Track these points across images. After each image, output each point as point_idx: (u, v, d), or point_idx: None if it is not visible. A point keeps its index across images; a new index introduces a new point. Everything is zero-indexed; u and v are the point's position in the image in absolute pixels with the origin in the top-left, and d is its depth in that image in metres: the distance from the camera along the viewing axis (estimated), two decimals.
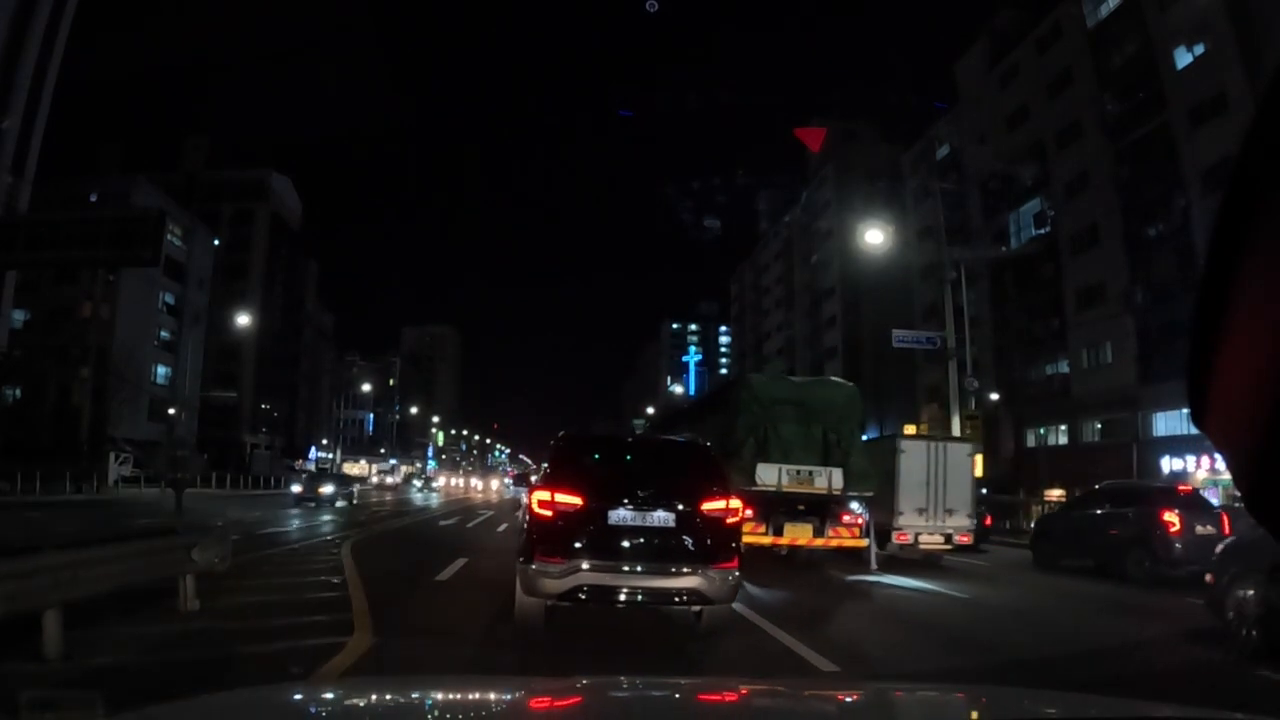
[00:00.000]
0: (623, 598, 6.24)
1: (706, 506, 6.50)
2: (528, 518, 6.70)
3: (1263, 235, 0.74)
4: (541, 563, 6.20)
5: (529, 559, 6.28)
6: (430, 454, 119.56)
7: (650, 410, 78.56)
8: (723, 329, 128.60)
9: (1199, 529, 12.56)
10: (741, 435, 12.56)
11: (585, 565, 6.15)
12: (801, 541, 12.26)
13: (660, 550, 6.28)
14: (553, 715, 2.05)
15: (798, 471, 12.38)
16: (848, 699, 2.38)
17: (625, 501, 6.35)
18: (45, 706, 2.47)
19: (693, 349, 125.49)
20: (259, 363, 63.76)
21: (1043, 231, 39.05)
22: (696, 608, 6.54)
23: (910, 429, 48.10)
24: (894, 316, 53.75)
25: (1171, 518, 12.90)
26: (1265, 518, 0.83)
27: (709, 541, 6.39)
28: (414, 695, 2.16)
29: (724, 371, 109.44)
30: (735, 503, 6.82)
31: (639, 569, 6.24)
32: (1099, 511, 14.77)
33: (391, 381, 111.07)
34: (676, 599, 6.37)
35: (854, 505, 12.73)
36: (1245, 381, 0.77)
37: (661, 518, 6.35)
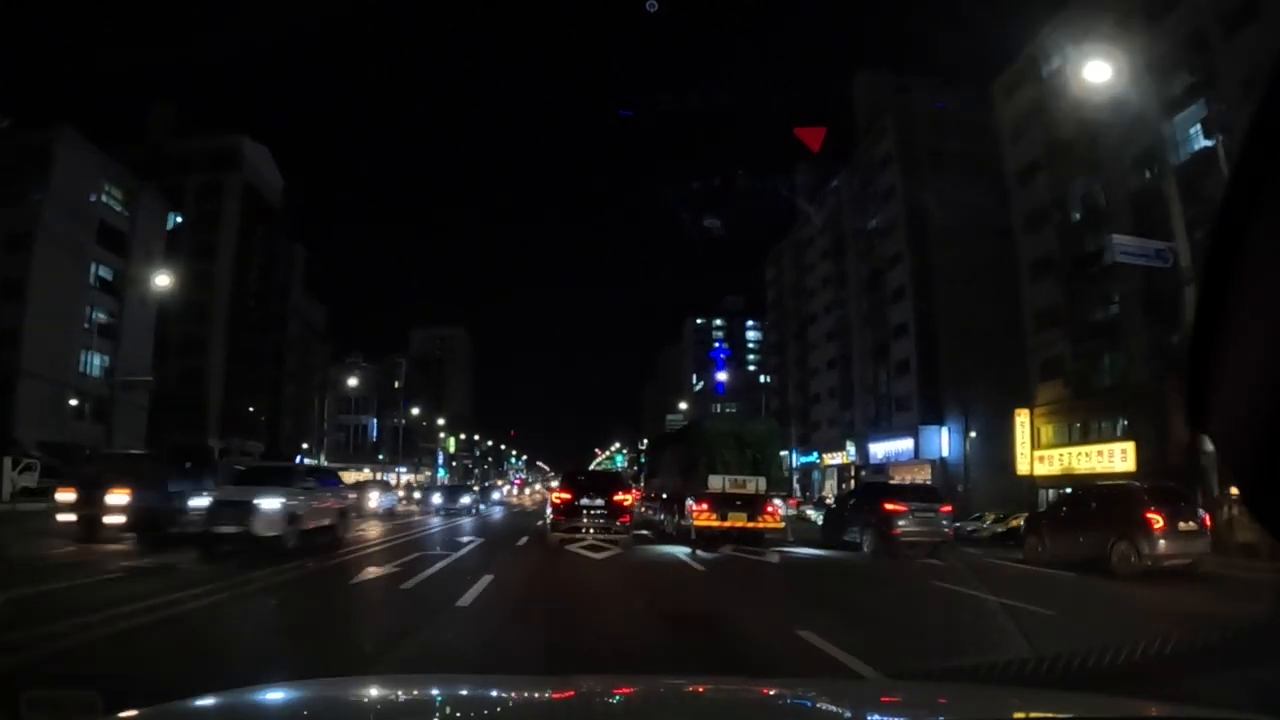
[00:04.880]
0: (590, 535, 16.73)
1: (617, 498, 17.40)
2: (550, 504, 18.84)
3: (1261, 238, 0.74)
4: (556, 520, 17.18)
5: (550, 520, 17.63)
6: (440, 461, 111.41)
7: (683, 405, 71.63)
8: (749, 324, 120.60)
9: None
10: (698, 457, 19.29)
11: (573, 524, 16.90)
12: (740, 525, 18.12)
13: (600, 515, 16.87)
14: (553, 714, 2.10)
15: (735, 480, 18.61)
16: (846, 698, 2.42)
17: (588, 495, 17.24)
18: (45, 706, 2.42)
19: (719, 343, 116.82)
20: (232, 356, 55.23)
21: (1212, 143, 29.53)
22: (616, 538, 16.62)
23: (1023, 414, 38.81)
24: (985, 283, 44.43)
25: None
26: (1266, 519, 0.83)
27: (619, 512, 17.17)
28: (415, 694, 2.26)
29: (752, 367, 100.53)
30: (631, 496, 19.17)
31: (592, 522, 16.90)
32: None
33: (397, 384, 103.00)
34: (607, 536, 16.65)
35: (776, 500, 19.15)
36: (1245, 384, 0.77)
37: (600, 504, 17.04)
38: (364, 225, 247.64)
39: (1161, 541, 13.01)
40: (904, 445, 49.02)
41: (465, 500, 36.48)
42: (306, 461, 65.27)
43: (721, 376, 79.29)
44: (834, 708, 2.21)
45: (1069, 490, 21.60)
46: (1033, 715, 2.04)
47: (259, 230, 58.95)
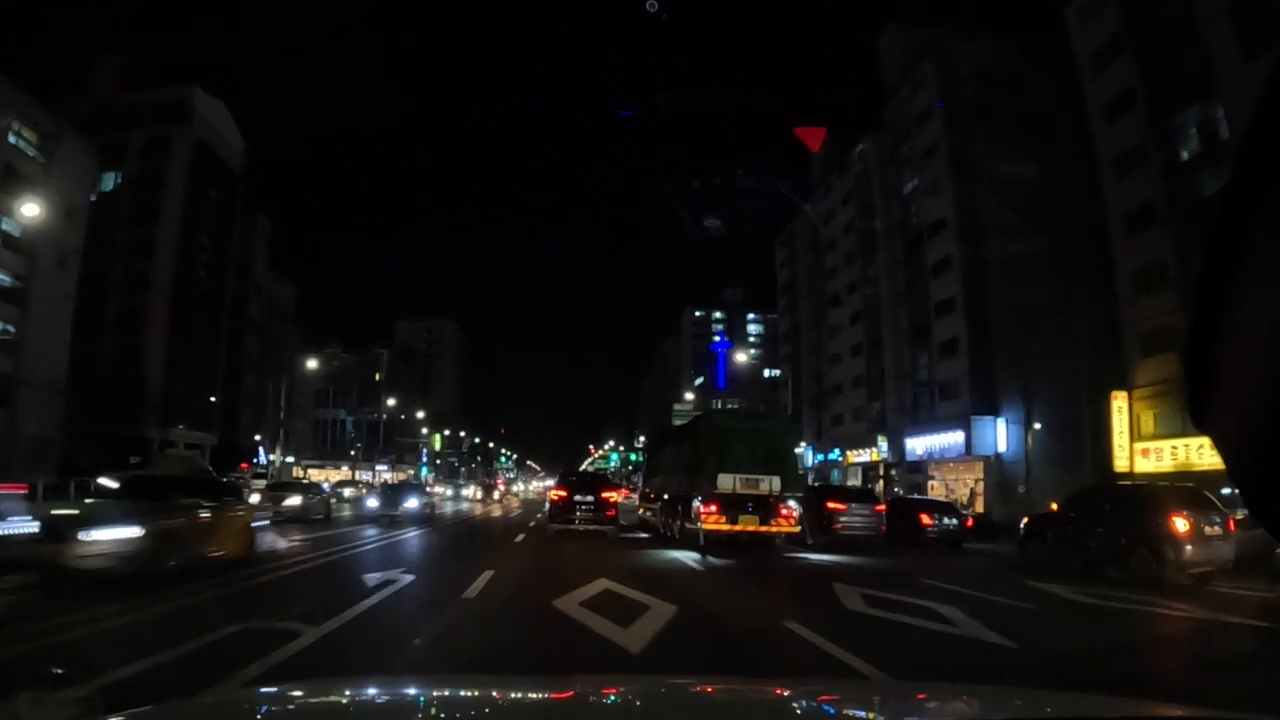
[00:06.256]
0: (582, 528, 20.85)
1: (604, 495, 21.88)
2: (548, 499, 25.18)
3: (1261, 237, 0.75)
4: (554, 513, 22.01)
5: (549, 513, 23.06)
6: (424, 458, 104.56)
7: (689, 396, 65.39)
8: (750, 316, 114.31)
9: None
10: (706, 454, 17.87)
11: (568, 516, 21.32)
12: (751, 529, 17.00)
13: (590, 510, 21.29)
14: (552, 714, 2.09)
15: (747, 479, 17.25)
16: (847, 698, 2.38)
17: (581, 493, 21.76)
18: (45, 705, 2.33)
19: (720, 335, 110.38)
20: (177, 334, 48.36)
21: None
22: (604, 529, 20.92)
23: (1120, 398, 32.42)
24: (1049, 247, 38.12)
25: None
26: (1266, 518, 0.83)
27: (605, 508, 21.53)
28: (415, 694, 2.24)
29: (755, 361, 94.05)
30: (618, 495, 24.17)
31: (584, 517, 21.21)
32: None
33: (378, 376, 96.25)
34: (595, 526, 21.01)
35: (790, 502, 17.81)
36: (1245, 384, 0.77)
37: (590, 500, 21.48)
38: (356, 216, 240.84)
39: (1188, 547, 12.34)
40: (951, 439, 42.48)
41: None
42: (271, 458, 58.24)
43: (740, 358, 73.02)
44: (838, 709, 2.18)
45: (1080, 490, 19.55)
46: (1035, 715, 1.99)
47: (212, 193, 52.13)
